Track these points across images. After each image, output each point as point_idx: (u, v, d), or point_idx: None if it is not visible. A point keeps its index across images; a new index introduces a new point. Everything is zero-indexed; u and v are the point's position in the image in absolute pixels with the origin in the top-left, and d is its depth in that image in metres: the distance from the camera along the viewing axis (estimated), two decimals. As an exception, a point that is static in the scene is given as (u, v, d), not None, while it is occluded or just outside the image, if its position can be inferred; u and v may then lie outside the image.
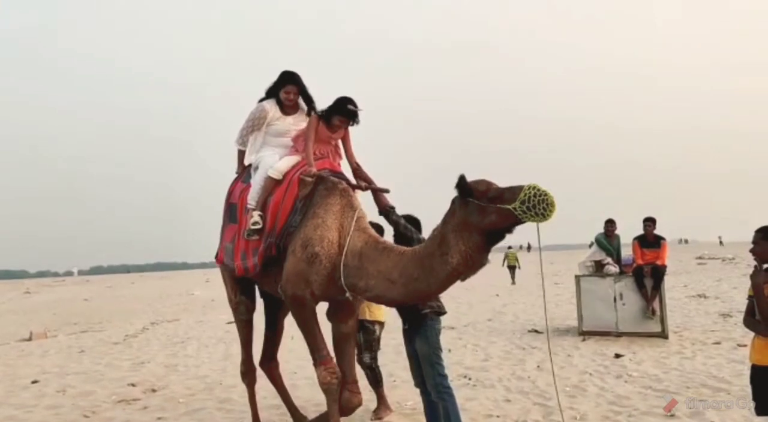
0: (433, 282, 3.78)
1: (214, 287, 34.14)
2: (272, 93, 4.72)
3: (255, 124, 4.75)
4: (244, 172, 4.96)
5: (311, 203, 4.23)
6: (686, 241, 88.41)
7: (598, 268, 9.77)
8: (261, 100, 4.75)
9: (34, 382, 7.96)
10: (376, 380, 5.48)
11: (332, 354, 4.37)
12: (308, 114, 4.74)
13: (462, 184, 3.66)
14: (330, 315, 4.56)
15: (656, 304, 9.03)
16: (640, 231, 9.56)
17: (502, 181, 3.67)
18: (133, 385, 7.46)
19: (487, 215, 3.56)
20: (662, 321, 9.00)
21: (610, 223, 9.97)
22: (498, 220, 3.55)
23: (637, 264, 9.33)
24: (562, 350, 8.42)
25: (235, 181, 5.04)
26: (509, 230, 3.64)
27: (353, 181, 4.58)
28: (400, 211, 4.56)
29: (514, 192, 3.48)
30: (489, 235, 3.64)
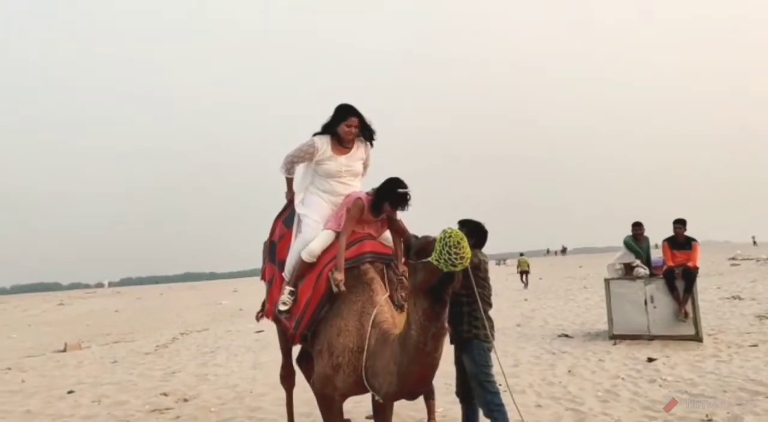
0: (413, 364, 3.42)
1: (242, 296, 34.43)
2: (329, 128, 4.45)
3: (302, 156, 4.56)
4: (289, 209, 4.84)
5: (338, 297, 4.07)
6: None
7: (628, 271, 9.63)
8: (315, 134, 4.51)
9: (69, 392, 8.11)
10: (427, 392, 5.40)
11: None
12: (368, 143, 4.60)
13: (405, 246, 3.41)
14: None
15: (689, 307, 8.86)
16: (670, 233, 9.40)
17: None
18: (165, 395, 7.55)
19: (417, 273, 3.29)
20: (696, 323, 8.83)
21: (637, 226, 9.82)
22: (426, 276, 3.23)
23: (668, 267, 9.16)
24: (593, 354, 8.31)
25: (279, 216, 4.95)
26: (443, 286, 3.23)
27: (393, 254, 4.33)
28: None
29: (434, 242, 3.19)
30: (432, 297, 3.26)
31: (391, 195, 4.13)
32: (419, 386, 3.68)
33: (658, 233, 9.89)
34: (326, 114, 4.49)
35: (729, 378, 6.51)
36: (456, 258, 3.09)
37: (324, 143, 4.44)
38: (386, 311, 3.97)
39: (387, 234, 4.43)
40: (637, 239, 9.79)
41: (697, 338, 8.72)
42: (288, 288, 4.31)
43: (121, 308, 32.07)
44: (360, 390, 3.92)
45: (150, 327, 19.14)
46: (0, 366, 11.52)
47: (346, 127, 4.37)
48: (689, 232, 9.33)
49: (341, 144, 4.47)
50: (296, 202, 4.66)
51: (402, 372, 3.49)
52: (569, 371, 7.37)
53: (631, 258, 9.71)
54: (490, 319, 4.41)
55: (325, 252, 4.27)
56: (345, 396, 4.08)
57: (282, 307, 4.29)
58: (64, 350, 13.62)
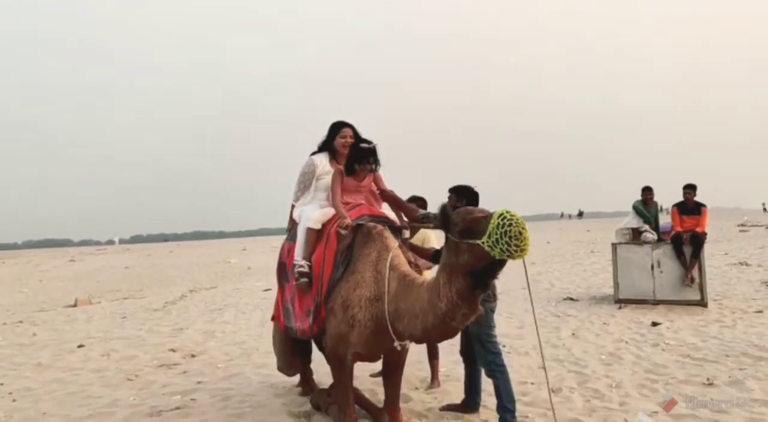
0: (437, 328, 3.38)
1: (250, 255, 34.72)
2: (326, 145, 4.69)
3: (307, 178, 4.72)
4: (293, 228, 4.91)
5: (352, 256, 4.08)
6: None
7: (636, 236, 9.60)
8: (312, 154, 4.72)
9: (80, 346, 8.26)
10: (432, 352, 5.49)
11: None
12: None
13: (442, 216, 3.17)
14: None
15: (695, 272, 8.84)
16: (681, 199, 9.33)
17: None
18: (173, 350, 7.67)
19: (460, 254, 3.07)
20: (701, 289, 8.82)
21: (647, 191, 9.75)
22: (472, 261, 3.01)
23: (676, 232, 9.13)
24: (598, 318, 8.35)
25: (286, 239, 5.04)
26: (490, 273, 3.08)
27: (394, 217, 4.52)
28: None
29: (485, 221, 2.93)
30: (474, 278, 3.10)
31: (355, 152, 4.40)
32: (442, 340, 3.75)
33: (668, 199, 9.83)
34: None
35: (732, 343, 6.52)
36: (515, 250, 2.85)
37: (322, 158, 4.68)
38: (401, 255, 3.96)
39: (387, 210, 4.59)
40: (646, 204, 9.73)
41: (702, 303, 8.73)
42: (304, 262, 4.36)
43: (131, 265, 32.41)
44: (375, 343, 3.89)
45: (159, 284, 19.35)
46: (12, 319, 11.73)
47: (341, 138, 4.60)
48: (699, 198, 9.27)
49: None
50: (295, 214, 4.79)
51: (427, 329, 3.44)
52: (573, 334, 7.41)
53: (639, 223, 9.66)
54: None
55: (327, 222, 4.42)
56: (357, 357, 4.07)
57: (299, 269, 4.33)
58: (75, 305, 13.82)
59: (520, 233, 2.83)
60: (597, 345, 6.78)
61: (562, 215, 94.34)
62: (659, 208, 10.08)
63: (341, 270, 4.08)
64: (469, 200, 4.38)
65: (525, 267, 3.36)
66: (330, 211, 4.47)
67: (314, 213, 4.48)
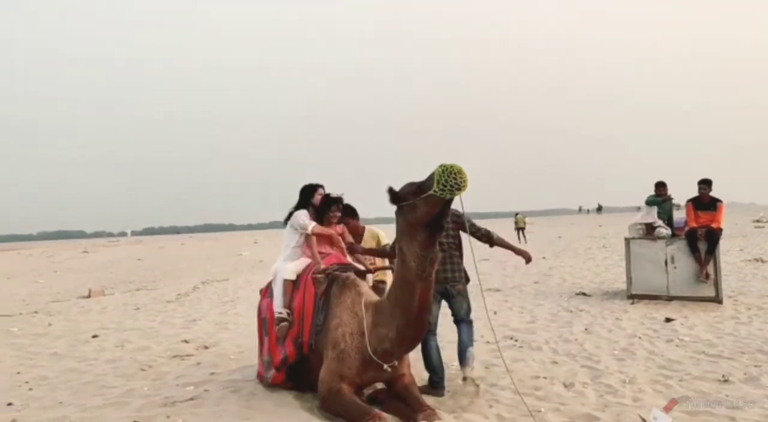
0: (413, 295, 4.00)
1: (262, 248, 34.87)
2: (305, 204, 5.25)
3: (297, 231, 5.24)
4: (269, 287, 5.44)
5: (329, 303, 4.65)
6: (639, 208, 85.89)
7: (649, 231, 9.52)
8: (298, 207, 5.27)
9: (94, 337, 8.34)
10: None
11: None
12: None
13: (390, 194, 3.94)
14: None
15: (710, 268, 8.76)
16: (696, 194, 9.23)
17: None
18: (186, 342, 7.72)
19: (418, 209, 3.80)
20: (716, 285, 8.74)
21: (660, 186, 9.66)
22: (428, 209, 3.75)
23: (691, 227, 9.03)
24: (611, 313, 8.30)
25: (262, 296, 5.58)
26: (443, 214, 3.82)
27: (359, 266, 5.16)
28: None
29: (430, 178, 3.68)
30: (430, 228, 3.84)
31: (325, 201, 5.19)
32: (423, 314, 4.12)
33: (684, 195, 9.74)
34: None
35: (747, 339, 6.46)
36: (461, 183, 3.56)
37: (307, 214, 5.23)
38: (372, 294, 4.72)
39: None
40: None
41: (717, 300, 8.65)
42: (282, 309, 4.96)
43: (143, 257, 32.66)
44: (365, 371, 4.31)
45: (172, 276, 19.48)
46: (27, 310, 11.88)
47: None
48: (714, 193, 9.16)
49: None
50: (271, 270, 5.39)
51: (405, 306, 4.05)
52: (586, 329, 7.37)
53: (653, 218, 9.57)
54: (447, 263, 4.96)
55: (301, 273, 5.06)
56: (354, 385, 4.36)
57: (279, 315, 4.92)
58: (89, 296, 13.95)
59: (460, 171, 3.56)
60: (610, 340, 6.74)
61: (580, 209, 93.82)
62: (673, 204, 9.99)
63: (321, 317, 4.66)
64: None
65: (475, 262, 4.12)
66: (303, 263, 5.12)
67: (289, 265, 5.09)
